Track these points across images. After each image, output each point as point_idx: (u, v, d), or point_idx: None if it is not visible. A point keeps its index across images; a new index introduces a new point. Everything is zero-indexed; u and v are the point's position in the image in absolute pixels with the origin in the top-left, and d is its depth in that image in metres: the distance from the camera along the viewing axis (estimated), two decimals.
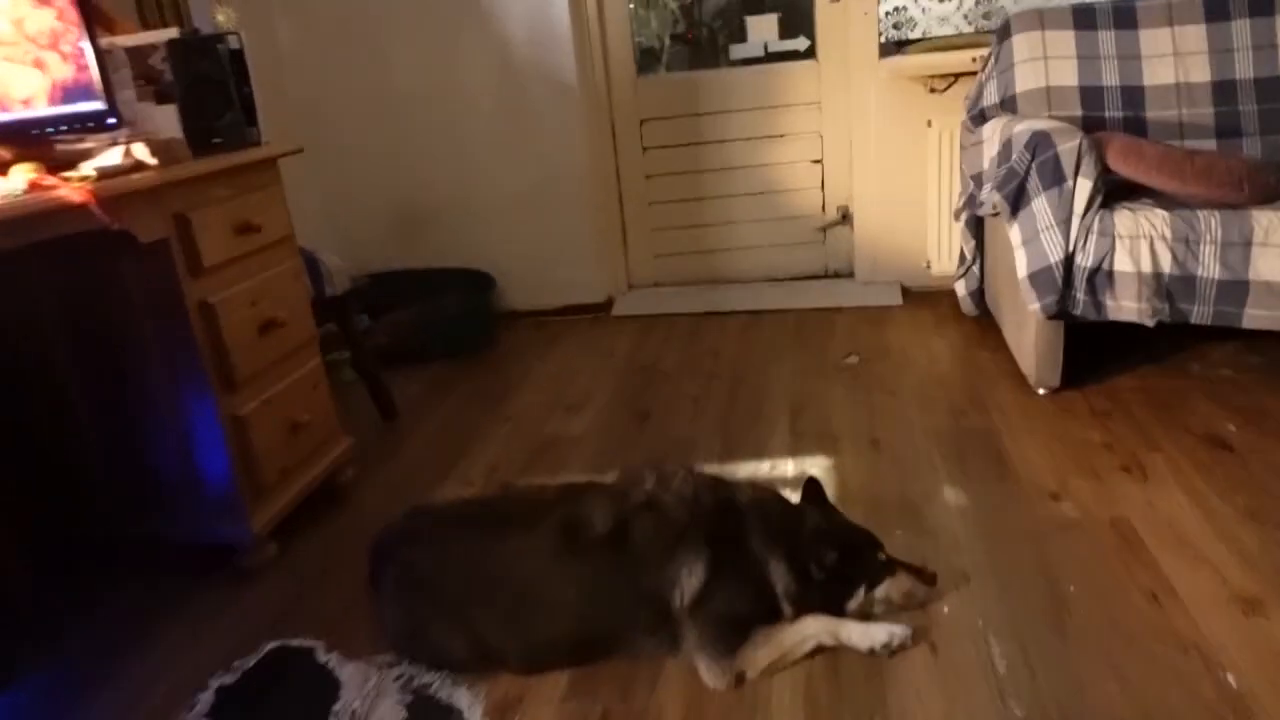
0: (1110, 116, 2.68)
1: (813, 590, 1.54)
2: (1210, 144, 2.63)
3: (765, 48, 3.50)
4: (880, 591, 1.58)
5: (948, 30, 3.16)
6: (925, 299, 3.32)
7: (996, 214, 2.51)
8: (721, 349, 3.06)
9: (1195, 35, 2.66)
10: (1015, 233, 2.37)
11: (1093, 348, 2.66)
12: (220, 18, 2.53)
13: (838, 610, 1.56)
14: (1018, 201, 2.35)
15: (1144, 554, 1.73)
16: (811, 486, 1.68)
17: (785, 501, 1.69)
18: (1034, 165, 2.29)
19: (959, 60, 3.04)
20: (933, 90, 3.18)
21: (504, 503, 1.79)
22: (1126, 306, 2.26)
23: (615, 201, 3.61)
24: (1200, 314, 2.24)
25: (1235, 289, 2.18)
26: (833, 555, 1.53)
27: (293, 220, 2.12)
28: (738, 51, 3.54)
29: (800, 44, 3.47)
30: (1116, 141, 2.33)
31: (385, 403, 2.73)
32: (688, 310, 3.44)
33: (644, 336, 3.24)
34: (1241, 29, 2.64)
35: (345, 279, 2.52)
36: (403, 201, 3.50)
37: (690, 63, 3.65)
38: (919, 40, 3.17)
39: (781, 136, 3.53)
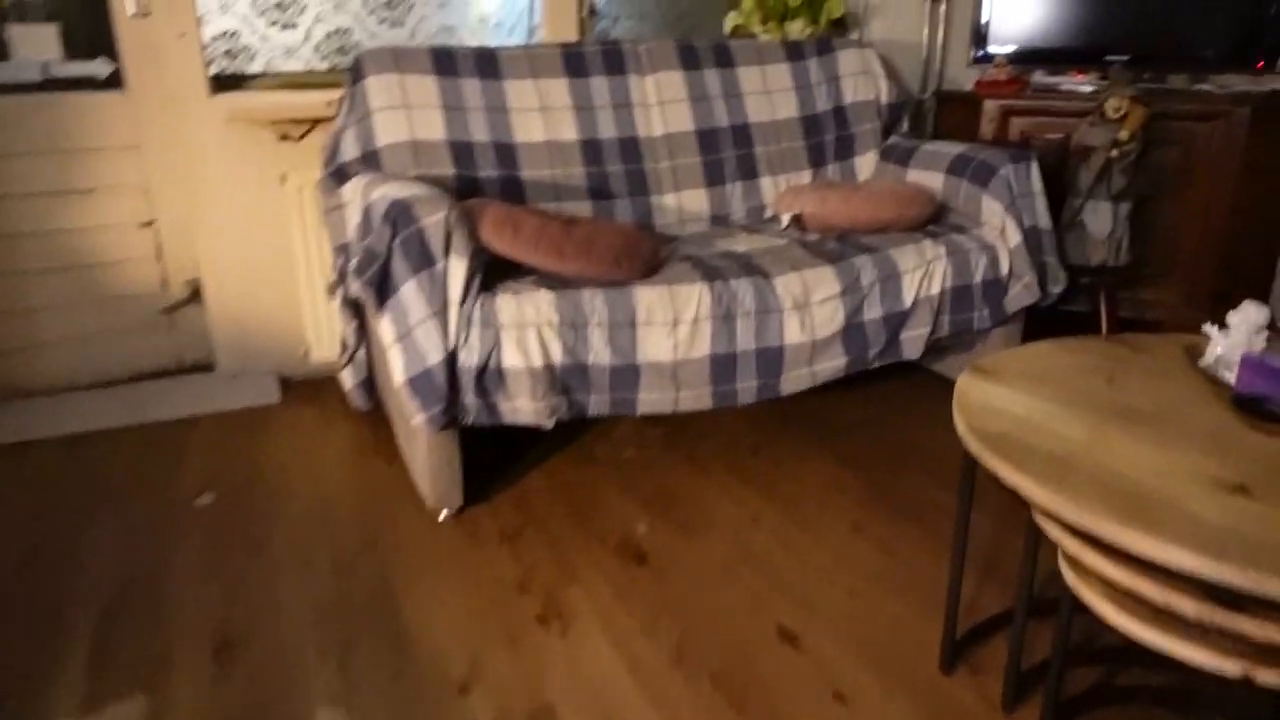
0: (485, 176, 2.36)
1: None
2: (586, 206, 2.47)
3: (45, 70, 2.54)
4: None
5: (296, 66, 2.59)
6: (309, 392, 2.70)
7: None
8: (12, 506, 2.07)
9: (559, 90, 2.47)
10: (386, 328, 1.88)
11: (498, 442, 2.32)
12: None
13: None
14: (383, 289, 1.87)
15: None
16: None
17: None
18: (396, 243, 1.82)
19: (312, 103, 2.48)
20: (285, 138, 2.57)
21: None
22: (523, 407, 1.92)
23: None
24: (599, 404, 1.99)
25: (627, 374, 1.97)
26: None
27: None
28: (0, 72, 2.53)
29: (100, 68, 2.59)
30: (490, 212, 1.98)
31: None
32: None
33: None
34: (600, 86, 2.52)
35: None
36: None
37: None
38: (261, 76, 2.54)
39: (91, 191, 2.61)
